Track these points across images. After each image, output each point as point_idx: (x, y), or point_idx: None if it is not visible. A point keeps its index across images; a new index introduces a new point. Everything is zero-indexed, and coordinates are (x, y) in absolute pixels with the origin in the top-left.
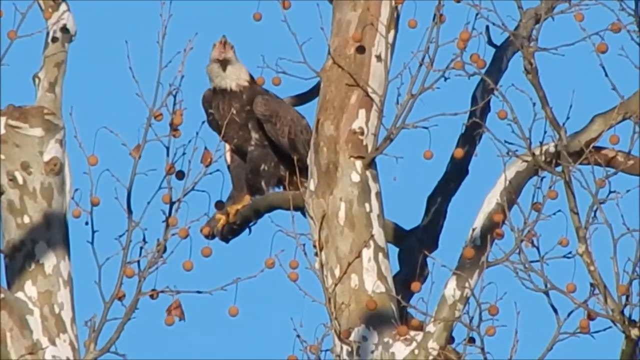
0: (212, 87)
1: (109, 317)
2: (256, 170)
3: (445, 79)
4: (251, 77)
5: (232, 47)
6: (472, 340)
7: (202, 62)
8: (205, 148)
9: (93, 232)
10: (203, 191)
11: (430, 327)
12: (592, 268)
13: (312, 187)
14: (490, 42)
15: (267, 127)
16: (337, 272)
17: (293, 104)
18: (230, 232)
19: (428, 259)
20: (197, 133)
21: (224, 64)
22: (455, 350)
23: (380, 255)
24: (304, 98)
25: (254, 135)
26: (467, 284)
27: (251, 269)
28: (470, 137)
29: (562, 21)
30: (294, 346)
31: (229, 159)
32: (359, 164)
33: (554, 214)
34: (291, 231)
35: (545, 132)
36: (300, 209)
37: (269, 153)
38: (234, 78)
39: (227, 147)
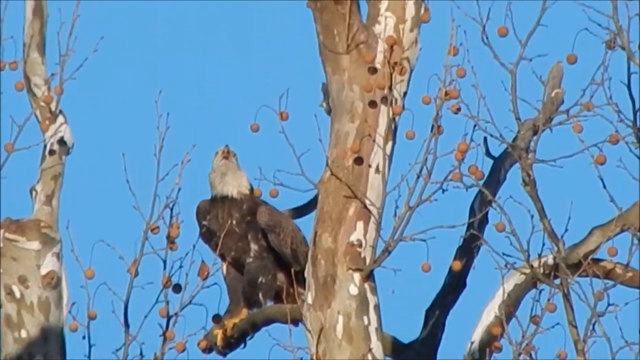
0: (212, 196)
1: None
2: (254, 283)
3: (444, 191)
4: (251, 187)
5: (234, 155)
6: None
7: (200, 175)
8: (202, 261)
9: (90, 346)
10: (200, 304)
11: None
12: None
13: (309, 300)
14: (488, 153)
15: (271, 237)
16: None
17: (291, 217)
18: (227, 346)
19: None
20: (194, 246)
21: (225, 170)
22: None
23: None
24: (301, 211)
25: (253, 246)
26: None
27: None
28: (468, 250)
29: (561, 133)
30: None
31: (224, 271)
32: (357, 276)
33: (553, 327)
34: (288, 344)
35: (543, 244)
36: (298, 322)
37: (267, 265)
38: (236, 185)
39: None
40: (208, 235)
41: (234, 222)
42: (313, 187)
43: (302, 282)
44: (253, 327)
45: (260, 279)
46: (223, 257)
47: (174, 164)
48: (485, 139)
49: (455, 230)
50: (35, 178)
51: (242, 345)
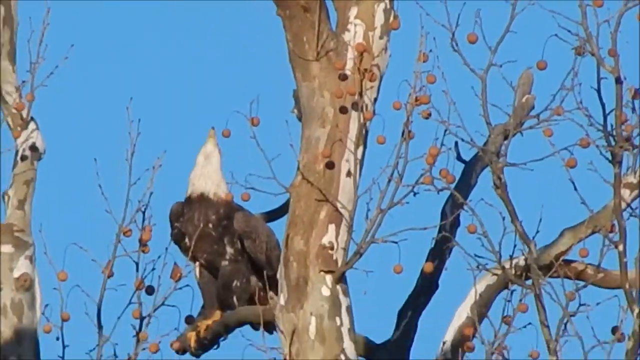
0: (188, 196)
1: None
2: (228, 287)
3: (415, 194)
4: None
5: (219, 150)
6: None
7: (171, 180)
8: (175, 263)
9: (64, 347)
10: (173, 306)
11: None
12: None
13: (282, 301)
14: (459, 157)
15: (247, 243)
16: None
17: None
18: (201, 347)
19: None
20: (166, 249)
21: (210, 161)
22: None
23: None
24: (273, 215)
25: (229, 249)
26: None
27: None
28: (440, 251)
29: (531, 137)
30: None
31: (197, 274)
32: (329, 278)
33: (525, 327)
34: (262, 345)
35: (515, 246)
36: (271, 323)
37: (241, 269)
38: (215, 183)
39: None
40: (180, 237)
41: (211, 225)
42: (285, 191)
43: (275, 286)
44: (226, 328)
45: (234, 283)
46: (195, 259)
47: (146, 168)
48: (456, 143)
49: (426, 233)
50: (8, 183)
51: (216, 347)
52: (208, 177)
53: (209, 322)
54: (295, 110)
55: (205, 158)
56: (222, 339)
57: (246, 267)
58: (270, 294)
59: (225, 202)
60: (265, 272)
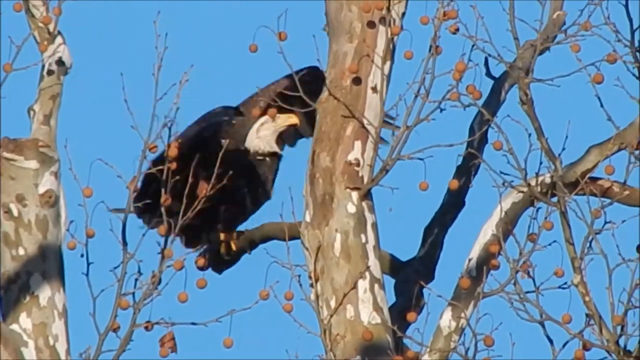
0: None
1: (103, 349)
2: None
3: (441, 110)
4: None
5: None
6: None
7: (198, 94)
8: (201, 181)
9: (88, 264)
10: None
11: (426, 358)
12: (587, 298)
13: (307, 218)
14: (488, 73)
15: None
16: (332, 304)
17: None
18: (224, 263)
19: (424, 290)
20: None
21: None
22: None
23: (376, 286)
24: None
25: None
26: (462, 315)
27: (246, 300)
28: (466, 169)
29: (559, 53)
30: None
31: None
32: (354, 195)
33: (550, 244)
34: (286, 262)
35: (540, 163)
36: (296, 239)
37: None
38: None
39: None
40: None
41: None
42: (312, 107)
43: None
44: (251, 244)
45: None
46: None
47: (172, 83)
48: (486, 59)
49: (453, 150)
50: (33, 98)
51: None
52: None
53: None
54: (327, 28)
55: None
56: (247, 254)
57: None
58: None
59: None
60: None
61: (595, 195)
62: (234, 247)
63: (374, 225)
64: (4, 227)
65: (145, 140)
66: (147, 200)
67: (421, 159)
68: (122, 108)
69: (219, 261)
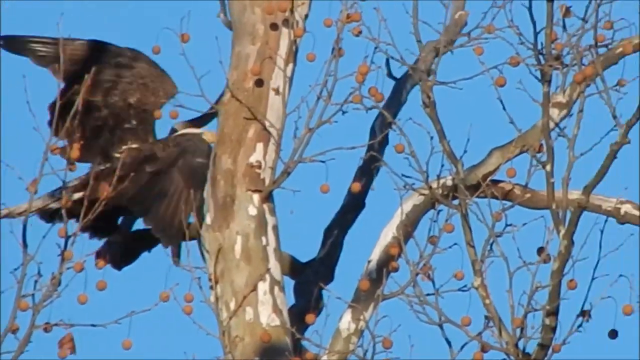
0: None
1: (2, 350)
2: None
3: (343, 113)
4: None
5: None
6: None
7: None
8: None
9: None
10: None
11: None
12: (487, 301)
13: (208, 220)
14: (390, 75)
15: None
16: (232, 306)
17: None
18: (123, 261)
19: (324, 292)
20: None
21: None
22: None
23: (276, 288)
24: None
25: None
26: (362, 317)
27: (146, 302)
28: (367, 171)
29: (462, 55)
30: None
31: None
32: (256, 197)
33: (450, 247)
34: (187, 264)
35: (442, 166)
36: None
37: None
38: None
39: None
40: None
41: None
42: (213, 108)
43: None
44: (149, 244)
45: None
46: None
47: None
48: (387, 60)
49: (355, 152)
50: None
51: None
52: None
53: None
54: (222, 15)
55: None
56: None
57: None
58: None
59: None
60: None
61: (496, 198)
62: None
63: (275, 228)
64: None
65: (47, 142)
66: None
67: (323, 162)
68: (24, 110)
69: (120, 257)
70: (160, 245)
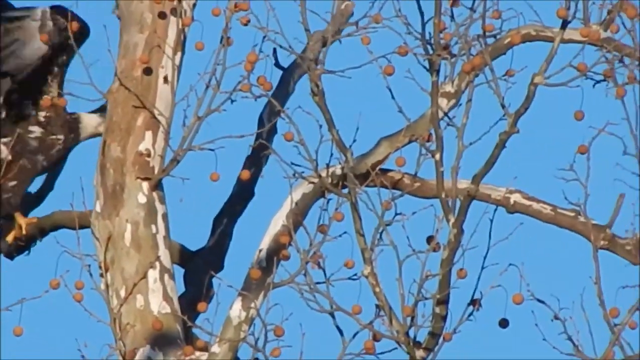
0: None
1: None
2: None
3: (232, 101)
4: None
5: None
6: None
7: None
8: None
9: None
10: None
11: (215, 348)
12: (377, 289)
13: (98, 208)
14: (277, 64)
15: None
16: (122, 293)
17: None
18: (15, 250)
19: (214, 280)
20: None
21: None
22: None
23: (166, 276)
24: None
25: None
26: (252, 305)
27: (37, 289)
28: (256, 159)
29: (350, 45)
30: None
31: None
32: (145, 185)
33: (340, 235)
34: (77, 252)
35: (331, 155)
36: (87, 228)
37: None
38: None
39: None
40: None
41: None
42: (102, 96)
43: None
44: (41, 232)
45: None
46: None
47: None
48: (274, 50)
49: (244, 140)
50: None
51: (27, 253)
52: None
53: (32, 220)
54: (117, 11)
55: None
56: (34, 243)
57: None
58: None
59: None
60: None
61: (385, 187)
62: (24, 231)
63: (165, 216)
64: None
65: None
66: None
67: (212, 150)
68: None
69: (11, 246)
70: (51, 234)
